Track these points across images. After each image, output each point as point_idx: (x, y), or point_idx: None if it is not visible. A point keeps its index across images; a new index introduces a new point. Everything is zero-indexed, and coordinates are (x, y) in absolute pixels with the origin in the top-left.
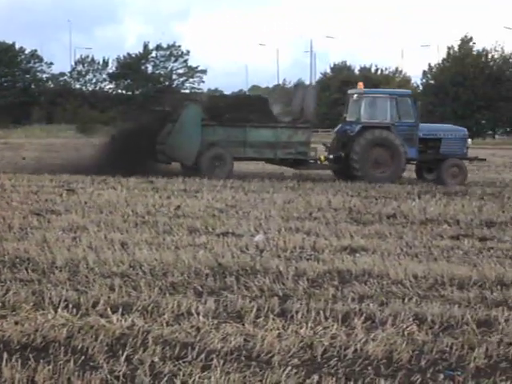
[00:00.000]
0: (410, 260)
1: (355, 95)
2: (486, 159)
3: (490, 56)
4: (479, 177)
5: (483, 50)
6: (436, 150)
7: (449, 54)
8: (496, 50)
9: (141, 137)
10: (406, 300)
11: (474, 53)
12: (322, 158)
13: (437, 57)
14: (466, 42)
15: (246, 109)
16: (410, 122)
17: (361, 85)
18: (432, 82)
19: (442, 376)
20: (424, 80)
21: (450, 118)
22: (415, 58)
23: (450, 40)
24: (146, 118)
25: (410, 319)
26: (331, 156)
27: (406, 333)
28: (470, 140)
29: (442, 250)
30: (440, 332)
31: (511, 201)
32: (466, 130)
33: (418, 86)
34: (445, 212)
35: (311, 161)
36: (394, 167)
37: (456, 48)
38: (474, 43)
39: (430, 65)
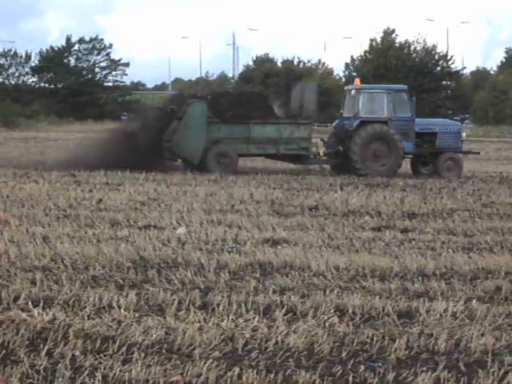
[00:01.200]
0: (331, 252)
1: (353, 91)
2: (479, 152)
3: (412, 48)
4: (402, 168)
5: (405, 42)
6: (432, 144)
7: (371, 46)
8: (418, 42)
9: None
10: (328, 292)
11: (397, 45)
12: (322, 153)
13: (359, 49)
14: (388, 34)
15: (248, 106)
16: (407, 116)
17: (358, 81)
18: (354, 74)
19: (362, 367)
20: (346, 72)
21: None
22: (338, 50)
23: (373, 32)
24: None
25: (331, 311)
26: (330, 151)
27: (327, 324)
28: (464, 134)
29: (364, 241)
30: (361, 323)
31: (433, 192)
32: (460, 124)
33: (340, 78)
34: (367, 203)
35: (311, 156)
36: (393, 161)
37: (378, 40)
38: (397, 35)
39: (352, 57)
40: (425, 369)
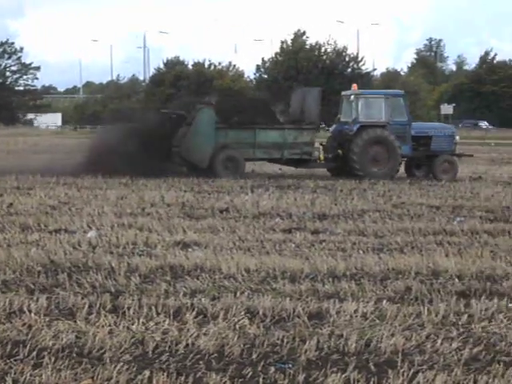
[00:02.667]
0: (242, 254)
1: (352, 96)
2: (473, 155)
3: (323, 50)
4: (316, 170)
5: (316, 43)
6: (427, 147)
7: (282, 48)
8: (329, 44)
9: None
10: (238, 294)
11: (307, 47)
12: (322, 157)
13: (270, 51)
14: (299, 35)
15: (253, 112)
16: (403, 120)
17: (355, 86)
18: (265, 76)
19: (273, 369)
20: (257, 74)
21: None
22: (248, 52)
23: (284, 34)
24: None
25: (242, 313)
26: (329, 155)
27: (237, 326)
28: (457, 137)
29: (275, 243)
30: (271, 325)
31: (344, 193)
32: (453, 127)
33: (251, 81)
34: (277, 205)
35: (313, 160)
36: (392, 164)
37: (289, 42)
38: (308, 37)
39: (263, 59)
40: (335, 369)
